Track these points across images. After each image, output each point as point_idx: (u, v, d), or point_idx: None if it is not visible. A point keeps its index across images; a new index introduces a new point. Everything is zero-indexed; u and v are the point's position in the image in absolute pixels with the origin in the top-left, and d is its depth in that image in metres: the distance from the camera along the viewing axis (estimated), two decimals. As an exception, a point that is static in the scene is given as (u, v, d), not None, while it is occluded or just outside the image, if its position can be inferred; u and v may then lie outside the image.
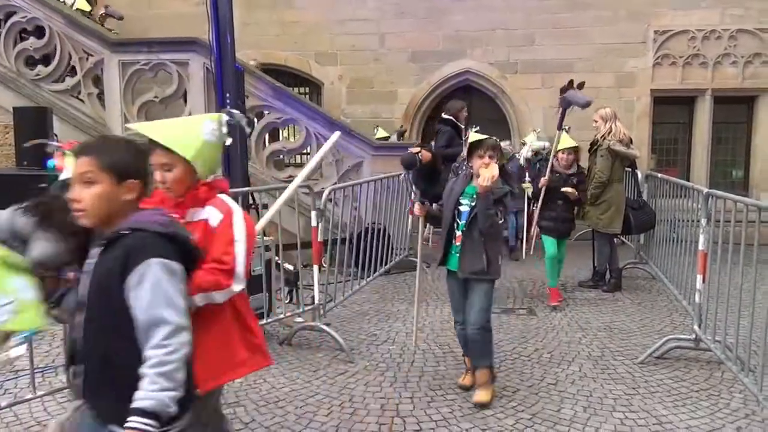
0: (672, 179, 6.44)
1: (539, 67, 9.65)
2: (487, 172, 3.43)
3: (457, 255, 3.64)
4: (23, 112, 6.90)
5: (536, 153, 7.90)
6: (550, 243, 5.73)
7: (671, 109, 9.95)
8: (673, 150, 10.09)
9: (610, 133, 6.12)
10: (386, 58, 9.98)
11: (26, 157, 6.66)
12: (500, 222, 3.58)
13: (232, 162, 5.29)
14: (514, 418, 3.49)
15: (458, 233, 3.63)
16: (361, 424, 3.41)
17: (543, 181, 5.73)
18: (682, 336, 4.51)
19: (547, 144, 7.73)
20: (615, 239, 6.58)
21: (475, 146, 3.63)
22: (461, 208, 3.65)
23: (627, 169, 6.59)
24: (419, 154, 5.91)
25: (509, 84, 9.79)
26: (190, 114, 7.75)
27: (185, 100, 7.93)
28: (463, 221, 3.61)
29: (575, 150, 5.80)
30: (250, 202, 5.47)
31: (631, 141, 6.38)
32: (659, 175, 6.94)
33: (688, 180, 8.26)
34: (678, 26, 9.39)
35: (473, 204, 3.56)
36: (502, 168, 3.67)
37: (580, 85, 6.01)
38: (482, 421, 3.45)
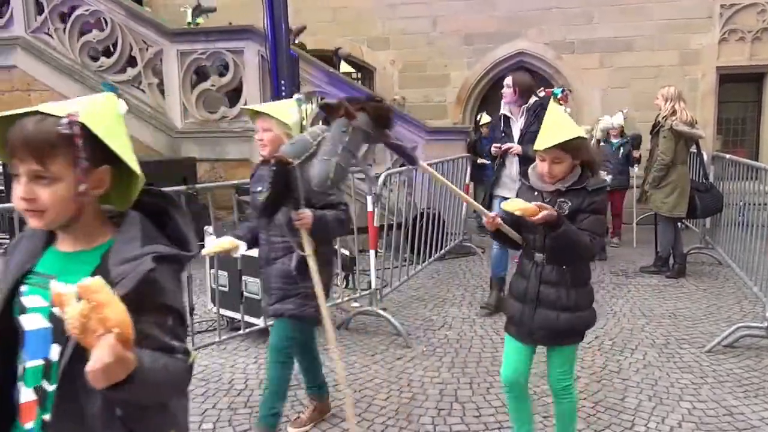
0: (742, 160, 6.16)
1: (597, 46, 9.36)
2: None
3: None
4: (88, 102, 7.14)
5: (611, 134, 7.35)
6: (510, 351, 2.69)
7: (738, 87, 9.51)
8: (741, 130, 9.64)
9: (673, 113, 5.89)
10: (439, 42, 9.87)
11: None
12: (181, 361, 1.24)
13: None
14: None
15: (26, 394, 1.27)
16: (420, 408, 3.41)
17: (487, 219, 2.56)
18: (753, 324, 4.32)
19: (617, 121, 7.18)
20: (679, 223, 6.36)
21: None
22: (24, 320, 1.27)
23: (692, 150, 6.34)
24: None
25: (565, 64, 9.53)
26: (245, 102, 7.86)
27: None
28: (37, 361, 1.26)
29: (575, 146, 2.44)
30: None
31: (696, 121, 6.13)
32: (727, 156, 6.65)
33: (756, 161, 7.89)
34: (746, -1, 8.93)
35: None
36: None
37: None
38: (543, 408, 3.39)
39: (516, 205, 2.39)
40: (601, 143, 7.28)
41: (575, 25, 9.40)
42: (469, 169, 7.48)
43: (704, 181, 6.45)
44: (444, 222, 6.68)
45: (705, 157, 6.79)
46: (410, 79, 10.02)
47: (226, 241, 2.91)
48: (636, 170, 7.40)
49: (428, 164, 6.37)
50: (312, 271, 2.53)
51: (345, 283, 5.35)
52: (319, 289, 2.53)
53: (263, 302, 3.27)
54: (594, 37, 9.33)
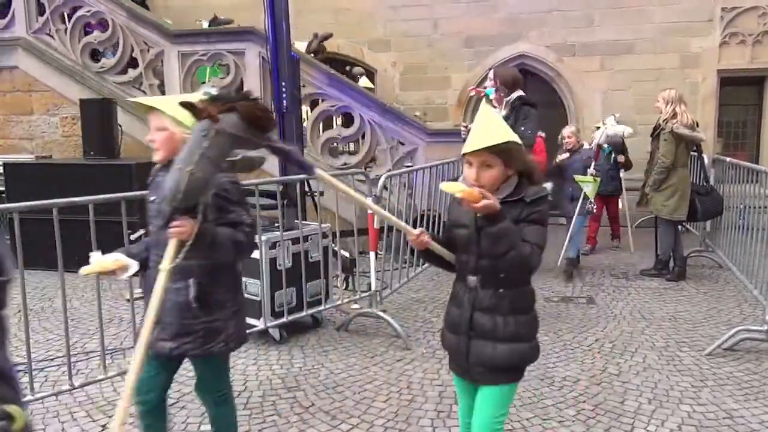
0: (742, 163, 6.15)
1: (598, 49, 9.37)
2: None
3: None
4: (89, 103, 7.16)
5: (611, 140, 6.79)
6: (459, 391, 2.44)
7: (739, 90, 9.51)
8: (741, 133, 9.64)
9: (674, 116, 5.89)
10: (440, 44, 9.88)
11: (93, 147, 6.93)
12: None
13: (289, 150, 5.36)
14: (575, 408, 3.42)
15: None
16: (419, 411, 3.41)
17: (412, 237, 2.27)
18: (753, 327, 4.31)
19: (628, 130, 6.71)
20: (679, 226, 6.35)
21: None
22: None
23: (692, 153, 6.34)
24: None
25: (566, 67, 9.54)
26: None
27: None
28: None
29: (508, 152, 2.16)
30: (306, 189, 5.53)
31: (697, 124, 6.12)
32: (728, 159, 6.64)
33: (757, 164, 7.89)
34: (747, 2, 8.92)
35: None
36: None
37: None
38: (543, 411, 3.39)
39: (457, 187, 2.09)
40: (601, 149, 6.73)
41: (576, 27, 9.41)
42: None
43: (705, 184, 6.45)
44: (445, 223, 6.67)
45: (706, 160, 6.78)
46: (411, 81, 10.02)
47: (110, 260, 2.36)
48: (622, 174, 7.33)
49: (428, 166, 6.39)
50: (155, 290, 2.04)
51: (345, 284, 5.36)
52: (150, 318, 2.02)
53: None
54: (595, 39, 9.34)
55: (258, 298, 4.34)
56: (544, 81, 9.78)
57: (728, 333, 4.25)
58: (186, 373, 3.91)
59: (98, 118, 6.93)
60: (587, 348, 4.32)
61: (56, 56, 8.16)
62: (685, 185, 5.93)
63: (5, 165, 6.79)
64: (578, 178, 6.16)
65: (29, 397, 3.38)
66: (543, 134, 7.16)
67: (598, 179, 6.24)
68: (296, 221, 4.63)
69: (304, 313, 4.58)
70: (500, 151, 2.11)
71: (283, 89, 5.34)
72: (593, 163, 6.30)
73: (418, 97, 9.93)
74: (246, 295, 4.32)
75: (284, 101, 5.34)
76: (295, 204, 4.72)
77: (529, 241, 2.12)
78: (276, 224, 4.55)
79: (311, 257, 4.67)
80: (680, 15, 9.05)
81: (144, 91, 8.15)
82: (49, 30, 8.25)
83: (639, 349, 4.27)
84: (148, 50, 8.05)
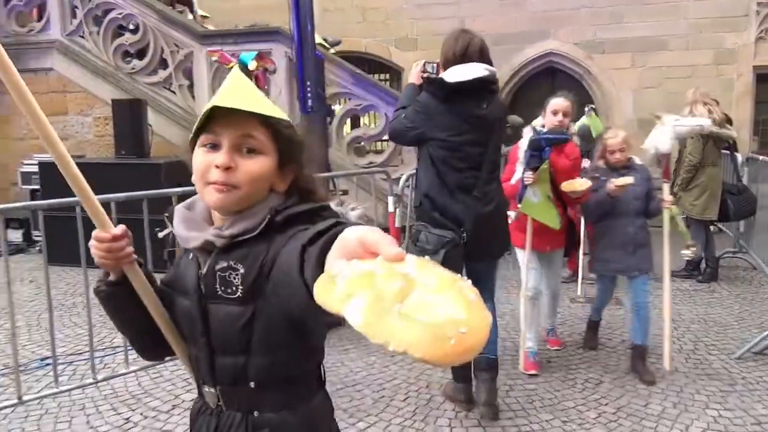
0: (776, 162, 5.99)
1: (628, 46, 9.20)
2: None
3: None
4: (121, 104, 7.31)
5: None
6: None
7: (777, 86, 9.24)
8: (778, 131, 9.38)
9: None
10: (467, 42, 9.82)
11: (124, 147, 7.07)
12: None
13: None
14: (596, 411, 3.37)
15: None
16: (437, 410, 3.40)
17: (107, 237, 1.27)
18: (786, 331, 4.19)
19: (707, 122, 4.50)
20: (711, 226, 6.20)
21: None
22: None
23: (724, 151, 6.17)
24: None
25: (596, 64, 9.39)
26: (274, 103, 7.93)
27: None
28: None
29: (288, 134, 1.27)
30: (331, 187, 5.55)
31: (729, 121, 5.96)
32: (761, 157, 6.46)
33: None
34: (785, -4, 8.68)
35: None
36: None
37: None
38: (563, 412, 3.35)
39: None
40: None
41: (605, 24, 9.26)
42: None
43: (737, 183, 6.28)
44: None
45: (739, 158, 6.61)
46: (438, 79, 9.98)
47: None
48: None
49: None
50: None
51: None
52: None
53: None
54: (625, 36, 9.17)
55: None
56: (574, 79, 9.65)
57: (759, 336, 4.14)
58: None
59: (129, 119, 7.06)
60: (611, 349, 4.25)
61: (90, 58, 8.34)
62: (714, 184, 5.79)
63: (40, 164, 6.97)
64: (671, 212, 3.99)
65: (55, 390, 3.47)
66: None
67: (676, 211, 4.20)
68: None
69: (326, 312, 4.60)
70: (279, 130, 1.20)
71: (308, 89, 5.38)
72: (668, 186, 4.06)
73: (445, 96, 9.90)
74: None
75: (309, 101, 5.38)
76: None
77: None
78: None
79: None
80: (714, 10, 8.83)
81: (174, 92, 8.28)
82: (83, 32, 8.43)
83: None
84: (178, 51, 8.18)
